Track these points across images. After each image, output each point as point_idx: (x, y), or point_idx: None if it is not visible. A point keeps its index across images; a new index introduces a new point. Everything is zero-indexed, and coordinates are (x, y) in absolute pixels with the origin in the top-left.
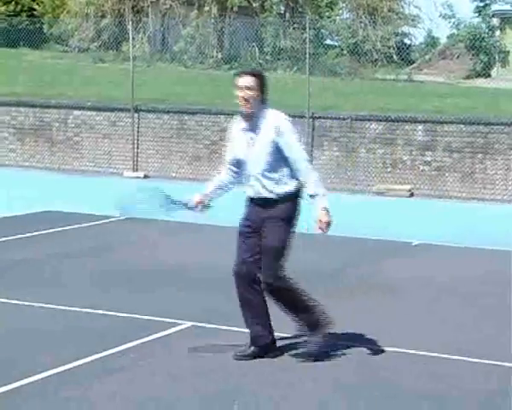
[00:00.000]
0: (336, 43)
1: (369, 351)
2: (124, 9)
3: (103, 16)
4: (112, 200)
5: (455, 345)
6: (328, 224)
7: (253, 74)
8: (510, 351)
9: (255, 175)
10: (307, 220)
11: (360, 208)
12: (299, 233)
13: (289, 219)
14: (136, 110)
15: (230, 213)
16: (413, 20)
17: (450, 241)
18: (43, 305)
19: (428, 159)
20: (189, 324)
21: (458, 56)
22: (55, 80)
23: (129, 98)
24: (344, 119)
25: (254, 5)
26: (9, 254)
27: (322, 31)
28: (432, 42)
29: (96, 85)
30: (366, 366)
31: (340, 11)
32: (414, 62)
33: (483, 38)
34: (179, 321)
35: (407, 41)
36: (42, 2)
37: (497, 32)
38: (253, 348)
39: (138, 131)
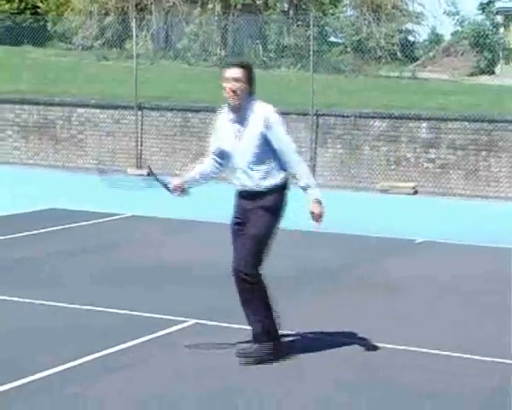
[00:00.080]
0: (340, 41)
1: (369, 349)
2: (127, 7)
3: (107, 14)
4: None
5: (456, 343)
6: (321, 215)
7: (240, 66)
8: (511, 349)
9: (242, 168)
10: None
11: (364, 206)
12: (301, 231)
13: (275, 210)
14: (140, 108)
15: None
16: (417, 18)
17: (453, 239)
18: (46, 303)
19: (432, 156)
20: (193, 321)
21: (462, 53)
22: (58, 78)
23: (132, 96)
24: (348, 116)
25: (258, 2)
26: (13, 252)
27: (326, 28)
28: (436, 39)
29: (99, 83)
30: (366, 363)
31: (344, 8)
32: (418, 59)
33: (487, 35)
34: (182, 319)
35: (411, 38)
36: (46, 0)
37: (501, 29)
38: (255, 345)
39: (142, 129)
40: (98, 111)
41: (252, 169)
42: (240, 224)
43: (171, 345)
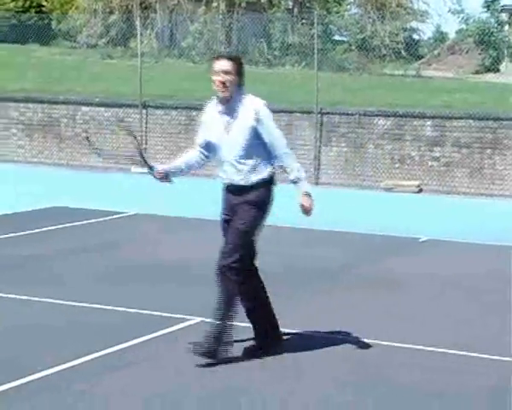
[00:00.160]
0: (344, 39)
1: (370, 346)
2: (132, 5)
3: (111, 12)
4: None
5: (457, 340)
6: (311, 208)
7: (229, 58)
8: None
9: (229, 160)
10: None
11: (368, 204)
12: (304, 229)
13: (261, 204)
14: (145, 106)
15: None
16: (422, 16)
17: (457, 237)
18: (49, 301)
19: (437, 154)
20: (196, 319)
21: (467, 51)
22: (63, 76)
23: (137, 94)
24: (352, 114)
25: (262, 1)
26: (17, 250)
27: (331, 26)
28: (440, 37)
29: (104, 81)
30: (367, 361)
31: (349, 6)
32: (422, 58)
33: (492, 33)
34: (185, 317)
35: (415, 36)
36: None
37: (506, 27)
38: (256, 342)
39: (146, 127)
40: (103, 109)
41: (239, 162)
42: (228, 221)
43: (175, 343)
